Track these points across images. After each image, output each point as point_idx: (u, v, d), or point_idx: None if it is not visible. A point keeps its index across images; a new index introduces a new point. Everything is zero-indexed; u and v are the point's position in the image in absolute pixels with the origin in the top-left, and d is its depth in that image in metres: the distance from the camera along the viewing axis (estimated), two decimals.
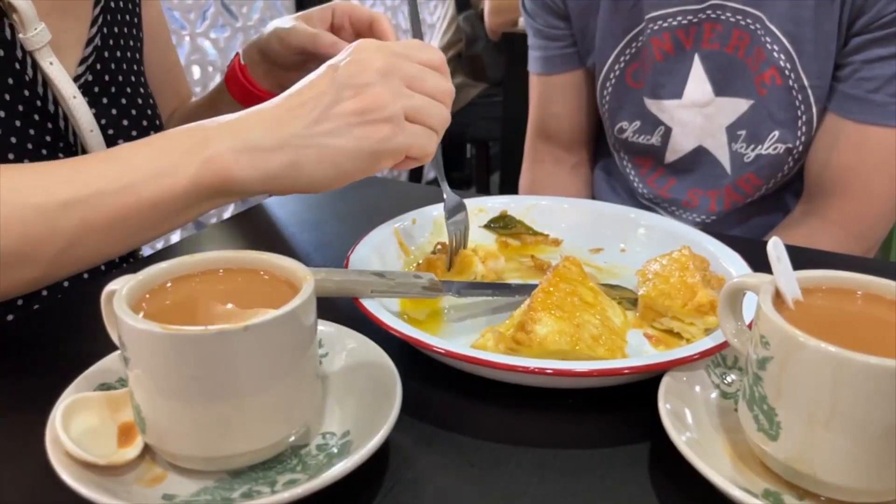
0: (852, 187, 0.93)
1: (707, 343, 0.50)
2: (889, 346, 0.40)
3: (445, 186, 0.71)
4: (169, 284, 0.44)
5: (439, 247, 0.71)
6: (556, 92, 1.13)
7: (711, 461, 0.41)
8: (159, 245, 1.88)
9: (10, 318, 0.71)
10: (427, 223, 0.73)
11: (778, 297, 0.43)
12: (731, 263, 0.63)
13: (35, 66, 0.68)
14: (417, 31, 0.69)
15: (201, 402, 0.40)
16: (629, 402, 0.51)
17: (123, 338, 0.40)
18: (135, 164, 0.54)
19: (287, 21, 0.77)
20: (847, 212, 0.94)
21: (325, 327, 0.52)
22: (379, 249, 0.67)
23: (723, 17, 0.93)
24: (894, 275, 0.45)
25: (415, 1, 0.67)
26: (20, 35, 0.66)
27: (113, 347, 0.46)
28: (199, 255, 0.46)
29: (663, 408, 0.45)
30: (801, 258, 0.47)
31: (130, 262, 0.84)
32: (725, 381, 0.50)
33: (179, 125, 0.57)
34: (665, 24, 0.96)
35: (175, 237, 2.19)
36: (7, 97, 0.66)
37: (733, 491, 0.39)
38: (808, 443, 0.40)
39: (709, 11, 0.93)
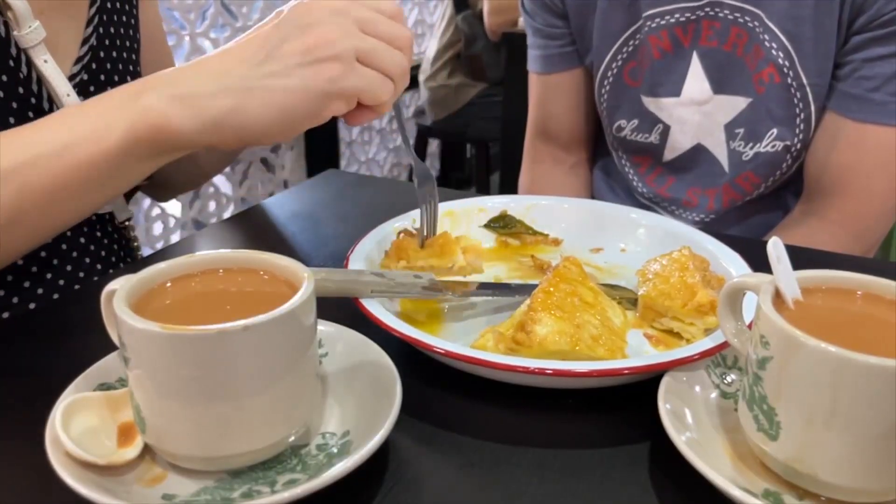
0: (852, 186, 0.93)
1: (707, 343, 0.50)
2: (889, 346, 0.40)
3: (412, 153, 0.68)
4: (169, 284, 0.44)
5: (402, 234, 0.68)
6: (556, 91, 1.13)
7: (711, 461, 0.41)
8: (159, 245, 1.88)
9: (5, 315, 0.71)
10: None
11: (778, 297, 0.43)
12: (731, 263, 0.63)
13: (30, 63, 0.68)
14: None
15: (201, 402, 0.40)
16: (629, 402, 0.51)
17: (123, 338, 0.40)
18: (71, 126, 0.53)
19: None
20: (846, 211, 0.94)
21: (325, 327, 0.52)
22: (379, 249, 0.67)
23: (721, 15, 0.93)
24: (894, 275, 0.45)
25: None
26: (14, 32, 0.66)
27: (113, 347, 0.46)
28: (199, 255, 0.46)
29: (663, 408, 0.45)
30: (801, 258, 0.47)
31: (129, 262, 0.84)
32: (725, 381, 0.50)
33: None
34: (663, 22, 0.96)
35: (175, 237, 2.19)
36: (1, 94, 0.66)
37: (733, 491, 0.39)
38: (808, 443, 0.40)
39: (707, 9, 0.93)
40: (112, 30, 0.79)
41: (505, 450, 0.47)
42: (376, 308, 0.54)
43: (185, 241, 0.84)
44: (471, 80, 2.70)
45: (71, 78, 0.73)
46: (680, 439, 0.42)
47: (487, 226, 0.76)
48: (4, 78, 0.67)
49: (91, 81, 0.76)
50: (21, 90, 0.68)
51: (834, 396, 0.38)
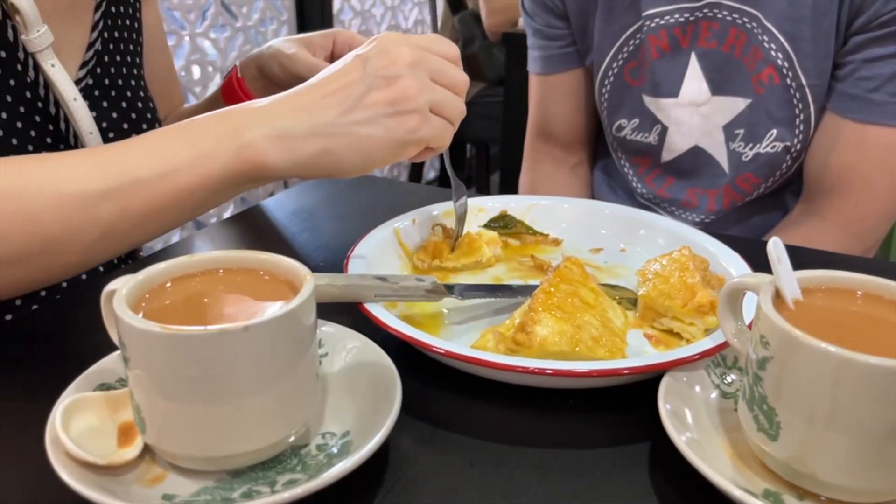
0: (851, 187, 0.93)
1: (707, 343, 0.50)
2: (889, 346, 0.40)
3: (451, 172, 0.74)
4: (169, 284, 0.44)
5: (437, 228, 0.73)
6: (556, 92, 1.13)
7: (711, 461, 0.41)
8: (159, 245, 1.88)
9: (8, 317, 0.71)
10: (427, 223, 0.73)
11: (778, 297, 0.43)
12: (731, 263, 0.63)
13: (37, 67, 0.68)
14: (434, 27, 0.71)
15: (201, 402, 0.40)
16: (629, 402, 0.51)
17: (123, 338, 0.40)
18: (170, 153, 0.55)
19: (289, 45, 0.79)
20: (846, 211, 0.94)
21: (326, 327, 0.52)
22: (379, 249, 0.67)
23: (720, 16, 0.93)
24: (894, 275, 0.45)
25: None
26: (22, 37, 0.67)
27: (113, 347, 0.46)
28: (199, 255, 0.46)
29: (663, 408, 0.45)
30: (801, 258, 0.47)
31: (129, 262, 0.84)
32: (725, 381, 0.50)
33: None
34: (662, 22, 0.96)
35: (175, 237, 2.19)
36: (8, 98, 0.66)
37: (733, 491, 0.39)
38: (808, 443, 0.40)
39: (705, 10, 0.93)
40: (116, 34, 0.79)
41: (505, 450, 0.47)
42: (377, 309, 0.54)
43: (185, 241, 0.84)
44: (469, 81, 2.70)
45: (77, 82, 0.73)
46: (680, 439, 0.42)
47: (487, 226, 0.76)
48: (12, 82, 0.67)
49: (96, 86, 0.76)
50: (28, 94, 0.68)
51: (834, 396, 0.38)
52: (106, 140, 0.75)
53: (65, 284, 0.74)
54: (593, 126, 1.15)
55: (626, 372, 0.48)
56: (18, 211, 0.52)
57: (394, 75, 0.58)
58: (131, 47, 0.81)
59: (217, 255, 0.46)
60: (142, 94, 0.82)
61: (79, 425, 0.42)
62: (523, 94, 1.21)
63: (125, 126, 0.79)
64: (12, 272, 0.53)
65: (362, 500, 0.42)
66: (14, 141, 0.67)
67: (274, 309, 0.40)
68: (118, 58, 0.79)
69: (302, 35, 0.81)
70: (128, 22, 0.81)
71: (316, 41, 0.79)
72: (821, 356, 0.38)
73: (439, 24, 2.74)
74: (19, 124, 0.68)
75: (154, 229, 0.57)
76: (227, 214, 2.25)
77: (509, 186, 2.02)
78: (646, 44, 0.98)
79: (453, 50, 0.63)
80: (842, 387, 0.38)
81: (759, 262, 0.52)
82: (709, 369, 0.50)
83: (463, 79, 0.63)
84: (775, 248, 0.43)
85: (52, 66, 0.68)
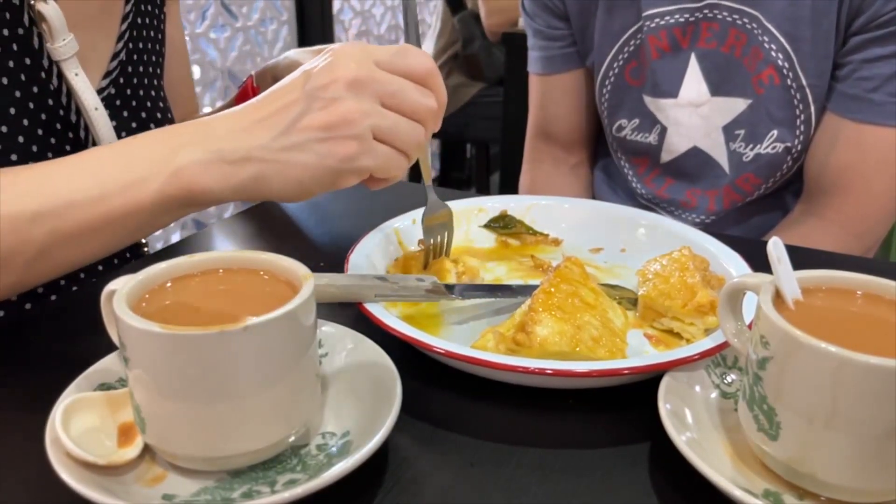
0: (851, 187, 0.93)
1: (707, 343, 0.50)
2: (889, 346, 0.40)
3: (430, 191, 0.69)
4: (169, 284, 0.44)
5: (420, 245, 0.70)
6: (557, 92, 1.13)
7: (711, 461, 0.41)
8: (159, 245, 1.88)
9: (0, 313, 0.71)
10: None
11: (778, 297, 0.43)
12: (731, 263, 0.63)
13: (60, 76, 0.69)
14: (412, 34, 0.68)
15: (201, 402, 0.40)
16: (629, 402, 0.51)
17: (123, 338, 0.40)
18: (104, 174, 0.54)
19: (306, 56, 0.78)
20: (846, 211, 0.94)
21: (326, 327, 0.52)
22: (379, 249, 0.67)
23: (719, 17, 0.93)
24: (894, 275, 0.45)
25: (412, 2, 0.67)
26: (48, 45, 0.67)
27: (113, 347, 0.46)
28: (199, 255, 0.46)
29: (663, 408, 0.45)
30: (801, 258, 0.47)
31: (128, 256, 0.84)
32: (725, 381, 0.50)
33: None
34: (662, 22, 0.96)
35: (175, 237, 2.19)
36: (31, 105, 0.67)
37: (733, 491, 0.39)
38: (808, 443, 0.40)
39: (705, 10, 0.93)
40: (140, 45, 0.80)
41: (505, 450, 0.47)
42: (377, 309, 0.54)
43: (185, 241, 0.84)
44: (469, 80, 2.70)
45: (99, 91, 0.73)
46: (680, 439, 0.42)
47: (487, 226, 0.76)
48: (35, 89, 0.67)
49: (118, 95, 0.77)
50: (50, 102, 0.69)
51: (834, 396, 0.38)
52: None
53: (63, 282, 0.74)
54: (593, 126, 1.15)
55: (626, 372, 0.48)
56: None
57: (332, 97, 0.53)
58: (153, 58, 0.82)
59: (217, 255, 0.46)
60: (161, 104, 0.83)
61: (79, 425, 0.42)
62: (523, 94, 1.21)
63: None
64: None
65: (362, 500, 0.42)
66: (34, 148, 0.67)
67: (274, 309, 0.40)
68: (140, 69, 0.80)
69: (320, 46, 0.81)
70: (152, 33, 0.82)
71: None
72: (821, 356, 0.38)
73: (439, 25, 2.74)
74: (40, 131, 0.68)
75: (89, 251, 0.56)
76: (227, 214, 2.25)
77: (509, 186, 2.02)
78: (646, 44, 0.98)
79: (422, 66, 0.57)
80: (842, 387, 0.38)
81: (759, 262, 0.52)
82: (709, 369, 0.50)
83: (425, 104, 0.57)
84: (775, 248, 0.43)
85: (76, 74, 0.68)
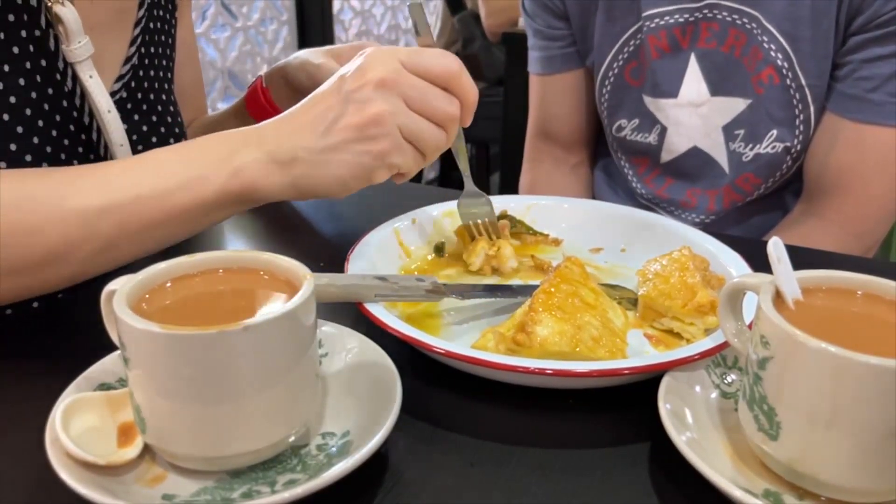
0: (851, 187, 0.93)
1: (707, 343, 0.50)
2: (889, 346, 0.40)
3: (467, 180, 0.72)
4: (169, 284, 0.44)
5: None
6: (557, 92, 1.13)
7: (711, 461, 0.41)
8: None
9: (8, 311, 0.71)
10: (427, 223, 0.73)
11: (778, 297, 0.43)
12: (731, 263, 0.63)
13: (75, 78, 0.69)
14: (426, 34, 0.68)
15: (201, 402, 0.40)
16: (629, 402, 0.50)
17: (123, 338, 0.40)
18: (169, 172, 0.58)
19: (317, 56, 0.79)
20: (846, 212, 0.94)
21: (326, 327, 0.52)
22: (379, 249, 0.67)
23: (719, 17, 0.93)
24: (894, 275, 0.45)
25: (420, 8, 0.67)
26: (63, 46, 0.67)
27: (113, 347, 0.46)
28: (199, 255, 0.46)
29: (663, 408, 0.45)
30: (801, 258, 0.47)
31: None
32: (725, 381, 0.50)
33: (196, 137, 0.60)
34: (662, 23, 0.96)
35: None
36: (46, 107, 0.67)
37: (733, 491, 0.39)
38: (809, 443, 0.40)
39: (705, 10, 0.93)
40: (152, 49, 0.80)
41: (505, 450, 0.47)
42: (377, 309, 0.54)
43: (185, 241, 0.84)
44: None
45: (111, 94, 0.74)
46: (680, 439, 0.42)
47: None
48: (50, 91, 0.68)
49: (129, 99, 0.77)
50: (65, 103, 0.69)
51: (834, 396, 0.38)
52: (135, 152, 0.76)
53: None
54: (594, 126, 1.15)
55: (626, 372, 0.48)
56: (20, 223, 0.54)
57: (364, 99, 0.57)
58: (164, 62, 0.83)
59: (217, 255, 0.46)
60: (171, 108, 0.83)
61: (79, 425, 0.42)
62: (523, 94, 1.21)
63: (154, 139, 0.80)
64: (12, 281, 0.55)
65: (362, 500, 0.42)
66: (48, 149, 0.68)
67: (274, 309, 0.40)
68: (152, 73, 0.80)
69: (330, 47, 0.82)
70: (163, 38, 0.82)
71: (345, 53, 0.79)
72: (821, 356, 0.38)
73: (438, 25, 2.74)
74: (54, 132, 0.68)
75: (151, 245, 0.59)
76: None
77: (509, 186, 2.02)
78: (645, 44, 0.98)
79: (444, 68, 0.59)
80: (842, 387, 0.38)
81: (759, 262, 0.52)
82: (709, 369, 0.50)
83: (446, 111, 0.59)
84: (775, 248, 0.43)
85: (91, 77, 0.69)
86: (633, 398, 0.50)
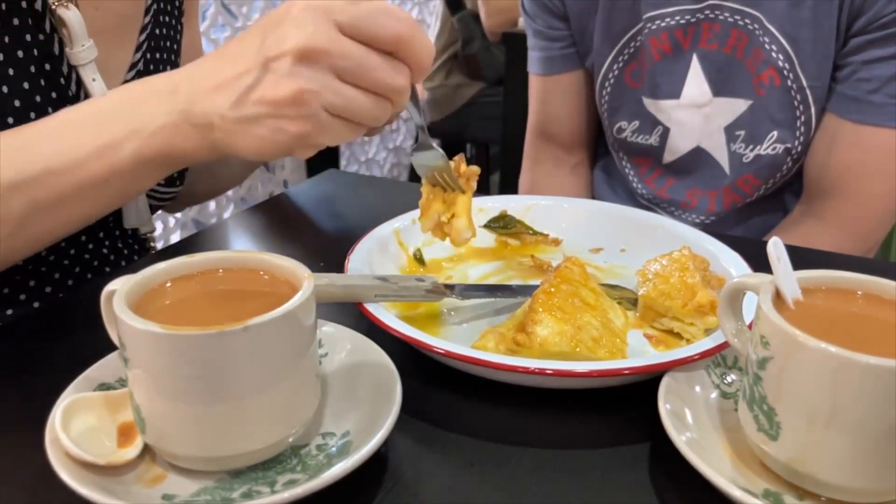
0: (851, 188, 0.93)
1: (707, 343, 0.50)
2: (889, 346, 0.40)
3: (422, 132, 0.61)
4: (169, 284, 0.44)
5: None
6: (556, 92, 1.13)
7: (711, 461, 0.41)
8: (159, 245, 1.88)
9: (8, 311, 0.71)
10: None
11: (778, 297, 0.43)
12: (731, 263, 0.63)
13: (79, 81, 0.69)
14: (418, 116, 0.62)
15: (201, 402, 0.40)
16: (629, 402, 0.50)
17: (123, 338, 0.40)
18: (80, 141, 0.54)
19: None
20: (846, 213, 0.94)
21: (326, 327, 0.52)
22: (379, 249, 0.67)
23: (721, 17, 0.93)
24: (894, 275, 0.45)
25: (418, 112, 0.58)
26: (67, 49, 0.67)
27: (113, 347, 0.46)
28: (199, 255, 0.46)
29: (663, 408, 0.45)
30: (801, 258, 0.47)
31: (136, 249, 0.84)
32: (725, 381, 0.50)
33: None
34: (663, 24, 0.96)
35: (175, 237, 2.19)
36: (49, 110, 0.67)
37: (733, 491, 0.39)
38: (808, 443, 0.40)
39: (707, 11, 0.93)
40: (157, 55, 0.80)
41: (505, 450, 0.47)
42: (377, 309, 0.54)
43: (185, 241, 0.84)
44: (469, 80, 2.70)
45: None
46: (680, 439, 0.42)
47: (487, 226, 0.76)
48: (54, 95, 0.68)
49: None
50: (68, 106, 0.69)
51: (834, 396, 0.38)
52: None
53: (71, 282, 0.74)
54: (593, 126, 1.15)
55: (626, 372, 0.48)
56: None
57: (282, 72, 0.48)
58: (168, 68, 0.83)
59: (217, 255, 0.46)
60: None
61: (79, 425, 0.42)
62: (523, 95, 1.21)
63: None
64: None
65: (362, 500, 0.42)
66: None
67: (274, 309, 0.40)
68: None
69: None
70: (169, 44, 0.82)
71: None
72: (821, 356, 0.38)
73: (437, 25, 2.74)
74: None
75: (70, 220, 0.56)
76: (227, 214, 2.25)
77: (509, 186, 2.02)
78: (646, 46, 0.98)
79: (390, 31, 0.49)
80: (842, 387, 0.38)
81: (760, 262, 0.52)
82: (709, 369, 0.50)
83: (388, 83, 0.50)
84: (775, 248, 0.43)
85: (94, 80, 0.69)
86: (633, 398, 0.50)
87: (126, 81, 0.76)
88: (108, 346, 0.47)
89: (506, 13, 2.53)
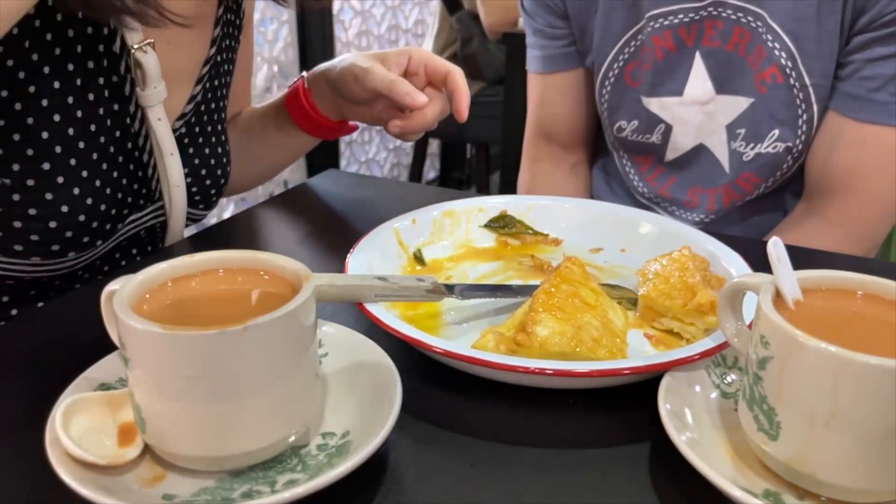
0: (852, 187, 0.93)
1: (707, 343, 0.50)
2: (889, 346, 0.40)
3: None
4: (169, 284, 0.44)
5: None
6: (556, 91, 1.13)
7: (711, 461, 0.41)
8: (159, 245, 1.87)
9: (13, 312, 0.71)
10: (427, 223, 0.73)
11: (778, 297, 0.43)
12: (731, 263, 0.63)
13: (143, 120, 0.69)
14: None
15: (201, 402, 0.40)
16: (629, 402, 0.50)
17: (123, 338, 0.40)
18: None
19: (364, 60, 0.77)
20: (847, 212, 0.94)
21: (326, 327, 0.52)
22: (379, 250, 0.67)
23: (724, 15, 0.93)
24: (894, 275, 0.45)
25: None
26: (138, 90, 0.67)
27: (113, 347, 0.46)
28: (199, 255, 0.46)
29: (663, 408, 0.45)
30: (801, 258, 0.47)
31: (141, 249, 0.84)
32: (725, 381, 0.50)
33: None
34: (666, 22, 0.96)
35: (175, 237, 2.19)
36: (111, 150, 0.67)
37: (733, 491, 0.39)
38: (808, 443, 0.40)
39: (710, 9, 0.93)
40: (216, 82, 0.80)
41: (505, 449, 0.47)
42: (377, 309, 0.54)
43: (185, 241, 0.84)
44: (468, 80, 2.70)
45: (173, 131, 0.74)
46: (680, 439, 0.42)
47: (487, 226, 0.76)
48: (118, 133, 0.68)
49: (188, 134, 0.77)
50: (129, 145, 0.70)
51: (834, 396, 0.38)
52: (189, 190, 0.76)
53: (76, 283, 0.75)
54: (593, 125, 1.15)
55: (626, 372, 0.48)
56: None
57: None
58: (224, 92, 0.83)
59: (217, 255, 0.46)
60: (223, 138, 0.83)
61: (79, 425, 0.42)
62: (523, 94, 1.21)
63: (203, 172, 0.79)
64: None
65: (362, 500, 0.42)
66: (108, 191, 0.68)
67: (274, 309, 0.40)
68: (213, 105, 0.80)
69: (376, 52, 0.80)
70: (226, 67, 0.82)
71: (391, 58, 0.77)
72: (821, 356, 0.38)
73: (436, 25, 2.74)
74: (115, 174, 0.69)
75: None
76: (227, 214, 2.25)
77: (509, 186, 2.02)
78: (649, 44, 0.98)
79: None
80: (842, 387, 0.38)
81: (760, 262, 0.52)
82: (709, 369, 0.50)
83: None
84: (775, 247, 0.43)
85: (159, 119, 0.69)
86: (633, 398, 0.50)
87: (184, 114, 0.76)
88: (108, 346, 0.47)
89: (506, 12, 2.53)
